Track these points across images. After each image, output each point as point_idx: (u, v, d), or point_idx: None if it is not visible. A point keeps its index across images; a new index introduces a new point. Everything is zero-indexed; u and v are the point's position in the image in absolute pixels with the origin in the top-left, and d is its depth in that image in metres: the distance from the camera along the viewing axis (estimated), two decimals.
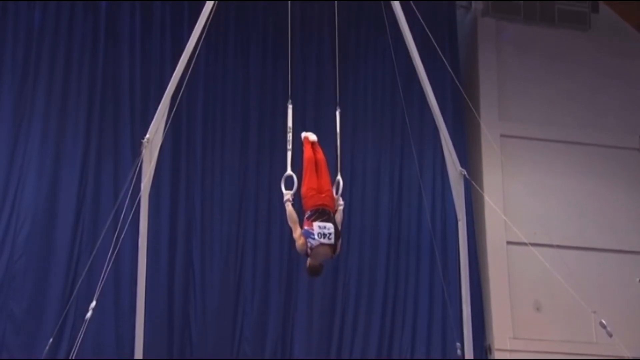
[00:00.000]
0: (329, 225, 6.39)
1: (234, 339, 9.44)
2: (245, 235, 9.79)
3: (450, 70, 9.17)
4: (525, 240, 8.47)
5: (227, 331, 9.44)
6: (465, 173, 7.54)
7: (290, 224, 6.49)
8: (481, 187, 10.03)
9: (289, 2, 7.63)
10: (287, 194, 6.56)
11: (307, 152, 6.90)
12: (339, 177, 6.85)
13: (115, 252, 6.75)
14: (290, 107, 6.90)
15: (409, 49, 7.05)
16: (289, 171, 6.64)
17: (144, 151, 6.78)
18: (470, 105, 9.45)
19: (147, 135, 6.82)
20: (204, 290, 9.47)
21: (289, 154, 6.70)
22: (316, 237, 6.32)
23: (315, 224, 6.37)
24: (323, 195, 6.60)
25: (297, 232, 6.44)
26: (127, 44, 9.85)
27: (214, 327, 9.38)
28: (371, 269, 10.10)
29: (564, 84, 11.38)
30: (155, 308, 8.93)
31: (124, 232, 6.84)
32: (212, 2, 6.62)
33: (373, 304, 9.98)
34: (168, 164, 9.53)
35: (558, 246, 9.50)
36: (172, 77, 6.83)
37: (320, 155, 6.89)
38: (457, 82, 9.44)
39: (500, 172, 10.73)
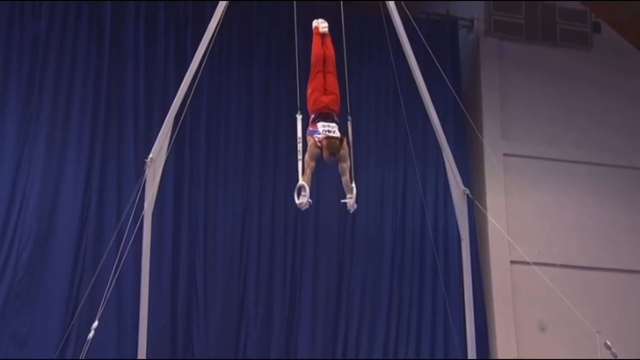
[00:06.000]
0: (333, 124, 6.39)
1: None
2: (248, 251, 9.77)
3: (453, 90, 9.20)
4: (529, 260, 8.45)
5: (230, 349, 9.41)
6: (469, 192, 7.52)
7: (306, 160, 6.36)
8: (484, 206, 10.01)
9: (295, 23, 7.50)
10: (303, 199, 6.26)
11: (316, 46, 6.65)
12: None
13: (118, 271, 6.74)
14: (299, 117, 6.68)
15: (411, 68, 7.07)
16: (300, 181, 6.46)
17: (147, 170, 6.79)
18: (473, 125, 9.47)
19: (151, 155, 6.84)
20: (207, 308, 9.45)
21: (300, 164, 6.46)
22: (321, 132, 6.33)
23: (319, 124, 6.38)
24: (328, 98, 6.49)
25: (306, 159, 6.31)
26: (131, 56, 9.82)
27: (217, 345, 9.36)
28: (374, 289, 10.08)
29: (566, 103, 11.40)
30: (158, 327, 8.90)
31: (126, 251, 6.84)
32: (221, 12, 6.63)
33: (375, 325, 9.95)
34: (171, 181, 9.52)
35: (562, 266, 9.48)
36: (175, 99, 6.86)
37: (330, 51, 6.65)
38: (459, 101, 9.45)
39: (503, 191, 10.72)
